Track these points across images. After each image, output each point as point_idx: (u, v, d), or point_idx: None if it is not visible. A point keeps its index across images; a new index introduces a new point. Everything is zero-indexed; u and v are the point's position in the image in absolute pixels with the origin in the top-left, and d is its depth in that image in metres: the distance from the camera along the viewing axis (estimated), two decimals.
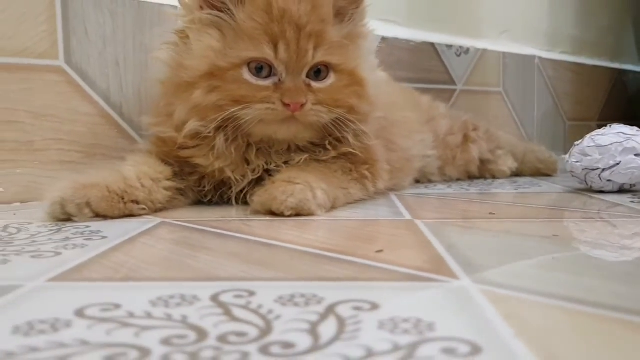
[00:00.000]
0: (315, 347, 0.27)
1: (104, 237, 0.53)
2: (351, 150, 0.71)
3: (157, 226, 0.59)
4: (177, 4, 0.88)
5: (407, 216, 0.64)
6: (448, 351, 0.26)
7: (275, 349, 0.27)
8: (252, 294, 0.35)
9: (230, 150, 0.68)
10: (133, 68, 0.86)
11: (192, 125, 0.67)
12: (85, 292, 0.36)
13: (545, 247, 0.49)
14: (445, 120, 1.00)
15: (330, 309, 0.32)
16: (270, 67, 0.65)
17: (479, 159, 1.03)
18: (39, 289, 0.37)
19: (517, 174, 1.08)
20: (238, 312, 0.32)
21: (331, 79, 0.68)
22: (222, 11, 0.67)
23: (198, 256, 0.46)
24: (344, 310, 0.32)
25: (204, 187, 0.72)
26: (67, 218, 0.61)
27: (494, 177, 1.05)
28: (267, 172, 0.70)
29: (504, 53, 1.47)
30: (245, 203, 0.70)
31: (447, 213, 0.68)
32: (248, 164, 0.70)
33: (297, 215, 0.63)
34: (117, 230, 0.56)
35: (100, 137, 0.83)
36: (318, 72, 0.68)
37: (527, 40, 1.56)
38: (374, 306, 0.32)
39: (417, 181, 0.95)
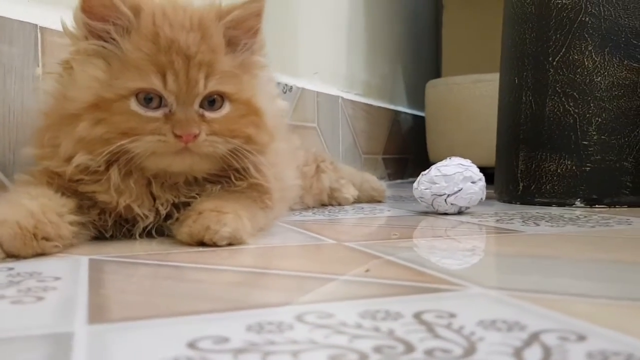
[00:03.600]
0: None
1: (57, 278, 0.47)
2: (259, 181, 0.73)
3: (96, 263, 0.54)
4: (39, 22, 0.82)
5: (330, 240, 0.68)
6: (564, 339, 0.32)
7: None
8: (330, 315, 0.36)
9: (130, 185, 0.66)
10: None
11: (80, 159, 0.64)
12: (153, 330, 0.34)
13: (471, 255, 0.58)
14: (302, 152, 1.06)
15: (417, 317, 0.35)
16: (160, 97, 0.64)
17: (329, 187, 1.11)
18: (93, 333, 0.33)
19: (356, 201, 1.18)
20: (319, 333, 0.33)
21: (226, 108, 0.68)
22: (107, 41, 0.64)
23: (200, 287, 0.44)
24: (430, 318, 0.35)
25: (106, 221, 0.67)
26: None
27: (339, 204, 1.14)
28: (174, 205, 0.69)
29: (317, 92, 1.59)
30: (150, 237, 0.68)
31: (359, 236, 0.74)
32: (154, 199, 0.68)
33: (229, 244, 0.63)
34: (55, 270, 0.50)
35: None
36: (212, 102, 0.67)
37: (332, 82, 1.72)
38: (452, 315, 0.37)
39: None
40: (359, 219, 0.94)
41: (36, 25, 0.82)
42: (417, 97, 2.35)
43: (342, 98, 1.75)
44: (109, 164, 0.64)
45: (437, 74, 2.45)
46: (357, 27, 1.90)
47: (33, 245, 0.56)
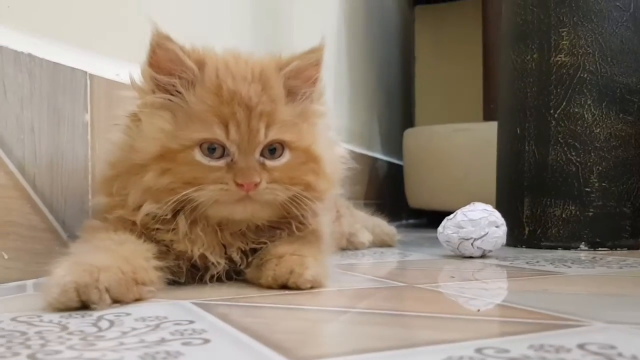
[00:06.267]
0: None
1: (191, 322, 0.48)
2: (315, 227, 0.75)
3: (207, 306, 0.55)
4: (88, 69, 0.82)
5: (397, 282, 0.71)
6: None
7: None
8: (506, 350, 0.39)
9: (198, 233, 0.67)
10: (47, 135, 0.76)
11: (148, 208, 0.65)
12: None
13: (548, 295, 0.62)
14: None
15: (583, 348, 0.39)
16: (223, 147, 0.66)
17: (348, 232, 1.14)
18: None
19: (370, 245, 1.21)
20: None
21: (286, 157, 0.69)
22: (173, 94, 0.67)
23: (348, 326, 0.46)
24: (595, 349, 0.39)
25: (181, 267, 0.68)
26: (81, 306, 0.53)
27: (356, 248, 1.17)
28: (243, 252, 0.70)
29: None
30: (219, 281, 0.69)
31: (419, 278, 0.77)
32: (224, 246, 0.69)
33: (311, 287, 0.65)
34: (176, 314, 0.51)
35: (13, 214, 0.70)
36: (273, 150, 0.69)
37: None
38: (611, 346, 0.40)
39: None
40: (388, 262, 0.97)
41: (86, 72, 0.82)
42: (390, 145, 2.43)
43: None
44: (175, 213, 0.66)
45: (410, 123, 2.54)
46: (342, 79, 1.97)
47: (134, 291, 0.57)
